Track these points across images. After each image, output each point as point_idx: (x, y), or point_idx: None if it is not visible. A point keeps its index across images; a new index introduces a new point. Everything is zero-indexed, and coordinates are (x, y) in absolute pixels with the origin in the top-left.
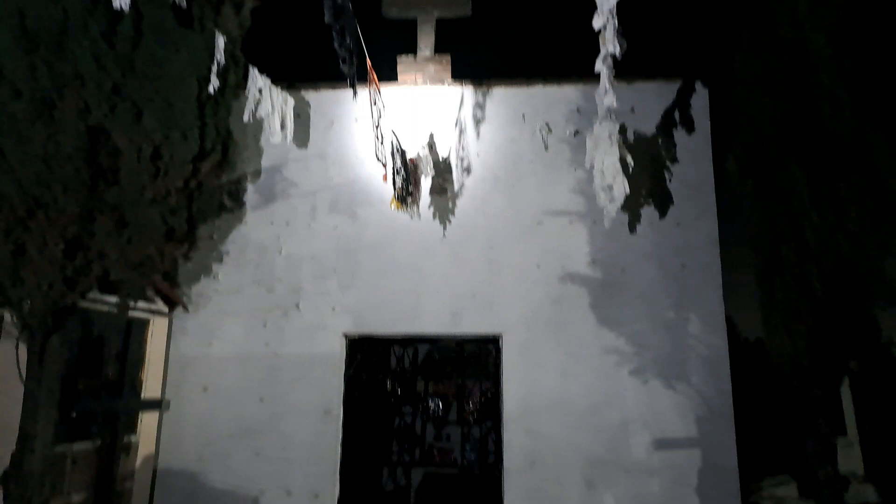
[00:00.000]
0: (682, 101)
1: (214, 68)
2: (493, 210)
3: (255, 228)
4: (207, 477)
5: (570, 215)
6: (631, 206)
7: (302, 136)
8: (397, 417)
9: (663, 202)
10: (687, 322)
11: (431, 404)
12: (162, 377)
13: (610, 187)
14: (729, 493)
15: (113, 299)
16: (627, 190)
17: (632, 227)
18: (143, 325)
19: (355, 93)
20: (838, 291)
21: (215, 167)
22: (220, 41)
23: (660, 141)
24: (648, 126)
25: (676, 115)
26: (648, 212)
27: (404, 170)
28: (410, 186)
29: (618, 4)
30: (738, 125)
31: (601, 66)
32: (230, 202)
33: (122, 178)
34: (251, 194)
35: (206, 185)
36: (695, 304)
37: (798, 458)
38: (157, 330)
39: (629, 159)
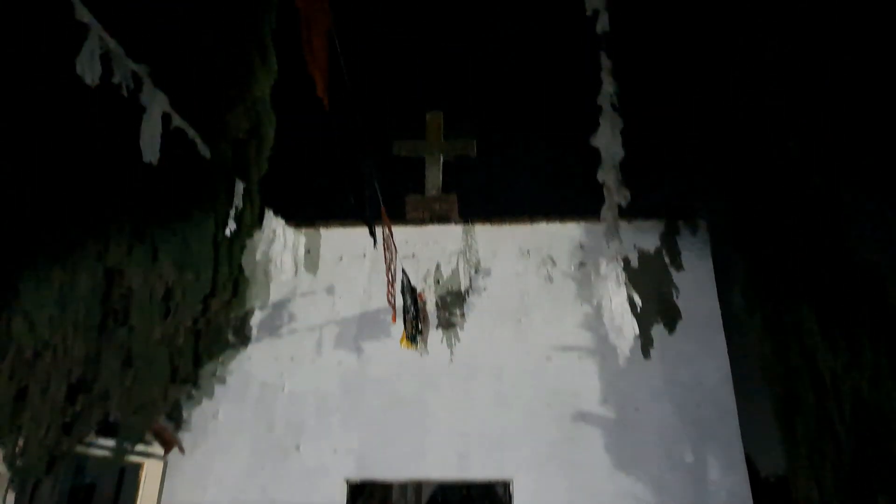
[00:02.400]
0: (682, 238)
1: (232, 212)
2: (500, 345)
3: (258, 364)
4: None
5: (580, 351)
6: (640, 343)
7: (310, 271)
8: None
9: (672, 337)
10: (705, 464)
11: None
12: None
13: (619, 328)
14: None
15: (110, 443)
16: (637, 331)
17: (642, 364)
18: (137, 468)
19: (375, 242)
20: (863, 429)
21: (225, 305)
22: (240, 186)
23: (664, 277)
24: (652, 262)
25: (678, 251)
26: (658, 347)
27: (414, 308)
28: (420, 325)
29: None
30: (740, 260)
31: (606, 215)
32: (235, 338)
33: (133, 318)
34: (256, 329)
35: (213, 323)
36: (713, 444)
37: None
38: (150, 474)
39: (637, 299)
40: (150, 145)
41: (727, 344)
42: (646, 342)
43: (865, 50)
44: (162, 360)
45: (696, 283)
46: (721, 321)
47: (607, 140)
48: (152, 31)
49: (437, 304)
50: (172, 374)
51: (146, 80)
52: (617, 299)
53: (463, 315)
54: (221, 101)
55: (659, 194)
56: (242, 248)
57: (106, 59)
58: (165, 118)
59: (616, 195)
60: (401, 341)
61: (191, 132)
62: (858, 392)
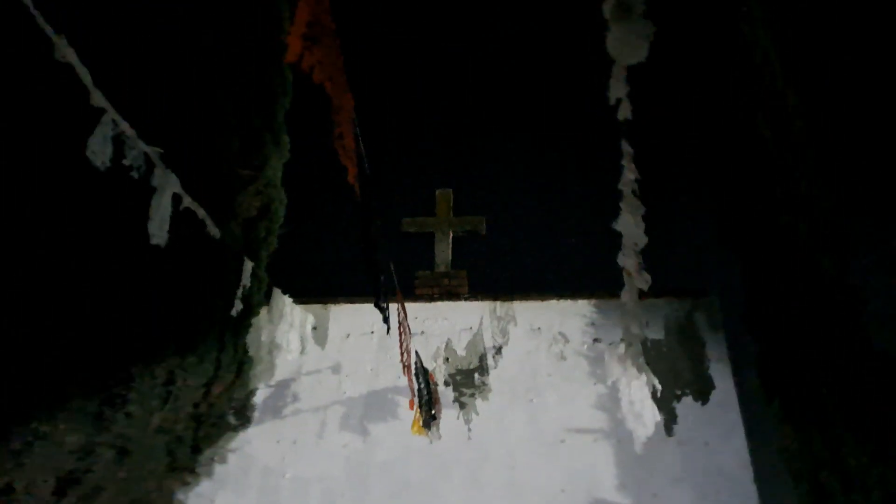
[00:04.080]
0: (695, 318)
1: (240, 292)
2: (512, 427)
3: (259, 448)
4: None
5: (594, 433)
6: (656, 426)
7: (317, 349)
8: None
9: (690, 422)
10: None
11: None
12: None
13: (639, 413)
14: None
15: None
16: (658, 417)
17: (660, 449)
18: None
19: (389, 328)
20: None
21: (227, 387)
22: (248, 266)
23: (679, 359)
24: (665, 344)
25: (692, 331)
26: (676, 431)
27: (427, 392)
28: (434, 410)
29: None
30: (753, 341)
31: (626, 299)
32: (236, 421)
33: (131, 406)
34: (259, 411)
35: (215, 407)
36: None
37: None
38: None
39: (657, 383)
40: (160, 227)
41: (745, 428)
42: (668, 421)
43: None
44: (160, 450)
45: (711, 362)
46: (738, 405)
47: (629, 225)
48: (164, 111)
49: (446, 384)
50: (170, 464)
51: (158, 162)
52: (635, 383)
53: (474, 396)
54: (233, 182)
55: (671, 272)
56: (248, 327)
57: (117, 141)
58: (175, 199)
59: (637, 279)
60: (412, 427)
61: (201, 212)
62: (885, 482)
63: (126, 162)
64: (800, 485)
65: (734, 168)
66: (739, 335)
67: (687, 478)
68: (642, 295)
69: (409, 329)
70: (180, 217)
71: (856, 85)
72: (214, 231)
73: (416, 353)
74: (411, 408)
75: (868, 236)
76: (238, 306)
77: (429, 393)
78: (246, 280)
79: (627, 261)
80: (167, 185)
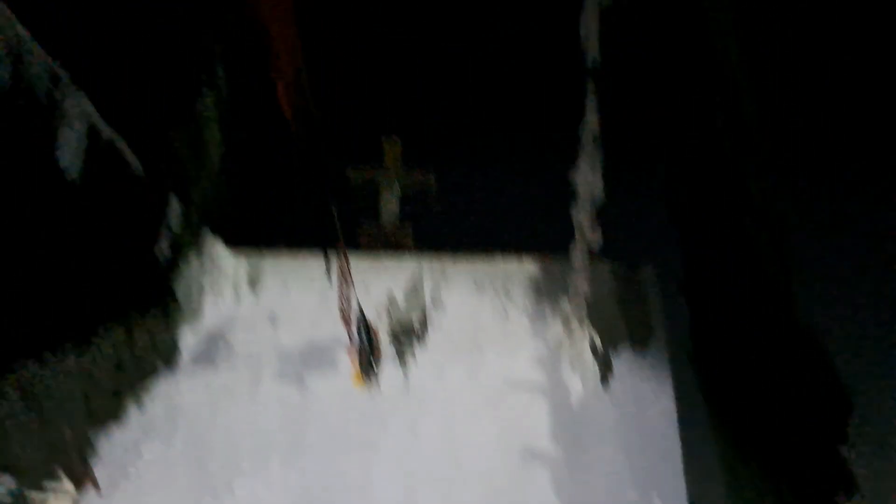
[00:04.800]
0: (634, 281)
1: (167, 233)
2: (451, 381)
3: (189, 397)
4: None
5: (533, 389)
6: (592, 384)
7: (252, 298)
8: None
9: (623, 380)
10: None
11: None
12: None
13: (578, 371)
14: None
15: (8, 481)
16: (596, 374)
17: (594, 405)
18: None
19: (330, 277)
20: None
21: (151, 332)
22: (176, 206)
23: (618, 319)
24: (605, 303)
25: (632, 294)
26: (610, 389)
27: (369, 344)
28: (374, 362)
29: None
30: (689, 307)
31: (575, 255)
32: (163, 365)
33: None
34: (188, 359)
35: (138, 352)
36: (657, 489)
37: None
38: None
39: (597, 341)
40: (72, 158)
41: (675, 391)
42: (604, 379)
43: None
44: (75, 394)
45: (647, 329)
46: (670, 368)
47: (586, 176)
48: (79, 30)
49: (389, 338)
50: (87, 410)
51: (67, 83)
52: (576, 340)
53: (414, 350)
54: (160, 115)
55: (615, 235)
56: (176, 271)
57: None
58: (93, 131)
59: (589, 237)
60: (353, 379)
61: (122, 145)
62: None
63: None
64: (721, 447)
65: (686, 141)
66: (676, 302)
67: (617, 434)
68: (591, 254)
69: (352, 279)
70: (98, 149)
71: (808, 73)
72: (137, 166)
73: (358, 302)
74: (349, 356)
75: (806, 218)
76: (164, 248)
77: (370, 343)
78: (173, 221)
79: (581, 215)
80: (79, 111)
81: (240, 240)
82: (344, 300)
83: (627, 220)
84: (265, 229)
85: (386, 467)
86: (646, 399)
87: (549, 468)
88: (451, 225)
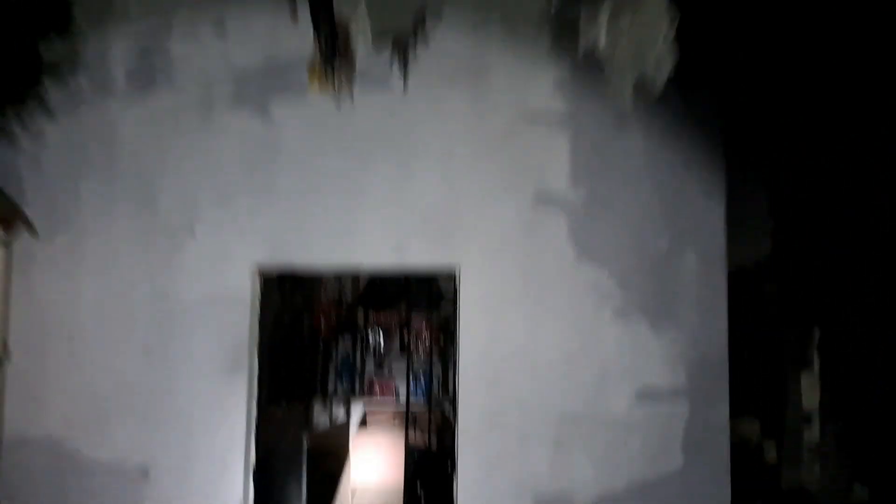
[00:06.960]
0: None
1: None
2: (451, 113)
3: (128, 127)
4: (77, 446)
5: (549, 122)
6: (619, 113)
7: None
8: (333, 352)
9: (663, 109)
10: (681, 256)
11: (372, 337)
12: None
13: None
14: (718, 451)
15: None
16: (628, 99)
17: (622, 138)
18: None
19: None
20: None
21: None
22: None
23: (658, 27)
24: (646, 14)
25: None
26: (644, 117)
27: (330, 33)
28: (338, 58)
29: None
30: None
31: None
32: (79, 86)
33: None
34: (122, 80)
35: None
36: (692, 234)
37: (762, 397)
38: None
39: (635, 48)
40: None
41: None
42: (636, 108)
43: None
44: None
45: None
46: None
47: None
48: None
49: (371, 49)
50: None
51: None
52: (607, 50)
53: (404, 71)
54: None
55: None
56: None
57: None
58: None
59: None
60: (309, 81)
61: None
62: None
63: None
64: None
65: None
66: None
67: (648, 172)
68: None
69: None
70: None
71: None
72: None
73: None
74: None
75: None
76: None
77: (333, 36)
78: None
79: None
80: None
81: None
82: None
83: None
84: None
85: (372, 210)
86: (687, 135)
87: (565, 212)
88: None
